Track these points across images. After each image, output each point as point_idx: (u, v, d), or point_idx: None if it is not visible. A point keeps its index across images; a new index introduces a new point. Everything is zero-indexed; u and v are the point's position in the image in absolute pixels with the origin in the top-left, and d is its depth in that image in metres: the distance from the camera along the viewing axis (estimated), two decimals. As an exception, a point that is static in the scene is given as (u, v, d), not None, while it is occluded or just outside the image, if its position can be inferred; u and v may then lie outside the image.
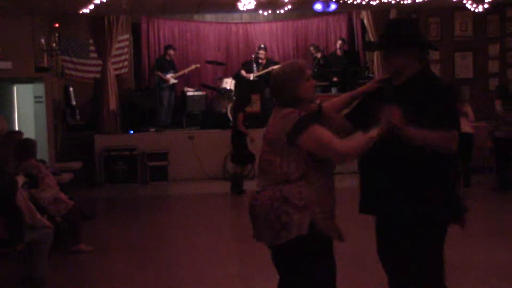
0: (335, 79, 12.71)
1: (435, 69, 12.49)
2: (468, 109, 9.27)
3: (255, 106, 11.97)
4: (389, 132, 2.97)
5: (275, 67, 12.84)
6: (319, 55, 13.23)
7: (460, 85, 12.43)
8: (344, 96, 3.52)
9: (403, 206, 3.06)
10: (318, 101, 3.35)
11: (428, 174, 3.05)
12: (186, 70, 12.97)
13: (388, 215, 3.15)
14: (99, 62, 12.26)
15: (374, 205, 3.19)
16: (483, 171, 10.91)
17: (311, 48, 13.52)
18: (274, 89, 3.24)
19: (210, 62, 13.52)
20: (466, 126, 8.68)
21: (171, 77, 12.68)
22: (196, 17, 14.32)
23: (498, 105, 9.72)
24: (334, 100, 3.52)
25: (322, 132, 3.06)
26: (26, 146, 6.32)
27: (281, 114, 3.16)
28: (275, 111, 3.25)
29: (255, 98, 12.00)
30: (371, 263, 5.51)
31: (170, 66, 12.86)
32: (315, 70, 13.07)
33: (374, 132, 3.00)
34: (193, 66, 13.12)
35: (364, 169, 3.27)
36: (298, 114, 3.10)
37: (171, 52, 12.95)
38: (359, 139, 3.07)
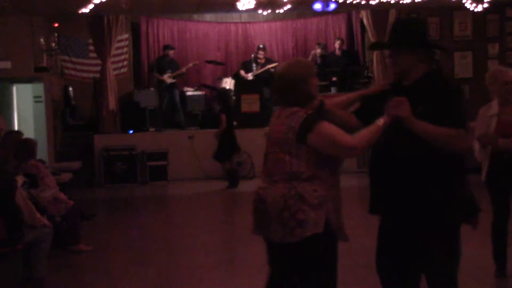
0: (334, 78, 12.71)
1: (435, 68, 12.50)
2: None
3: (254, 105, 11.98)
4: (395, 122, 2.97)
5: (272, 65, 12.89)
6: (319, 51, 13.22)
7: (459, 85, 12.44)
8: (351, 95, 3.51)
9: (415, 206, 3.04)
10: (320, 98, 3.35)
11: (441, 174, 3.04)
12: (183, 69, 12.95)
13: (399, 216, 3.12)
14: (99, 62, 12.26)
15: (384, 206, 3.17)
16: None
17: (316, 46, 13.52)
18: (284, 88, 3.21)
19: (209, 62, 13.52)
20: None
21: (167, 77, 12.67)
22: (195, 16, 14.32)
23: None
24: (338, 98, 3.51)
25: (331, 128, 3.08)
26: (26, 146, 6.32)
27: (287, 113, 3.16)
28: (279, 110, 3.24)
29: (254, 97, 12.00)
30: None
31: (170, 66, 12.83)
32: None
33: (380, 121, 3.02)
34: (191, 64, 13.12)
35: (374, 169, 3.26)
36: (305, 113, 3.11)
37: (171, 52, 12.95)
38: (366, 130, 3.07)
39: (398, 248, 3.13)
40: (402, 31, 3.17)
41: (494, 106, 5.06)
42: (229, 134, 10.50)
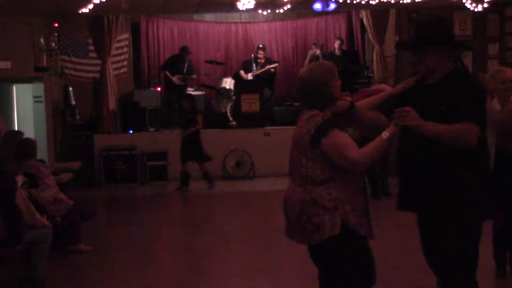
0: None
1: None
2: None
3: (254, 105, 11.98)
4: (401, 132, 3.02)
5: (272, 65, 12.89)
6: (318, 51, 13.22)
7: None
8: (377, 96, 3.53)
9: (441, 202, 3.11)
10: (349, 98, 3.38)
11: (466, 171, 3.09)
12: (194, 76, 12.98)
13: (427, 211, 3.20)
14: (99, 61, 12.25)
15: (413, 202, 3.24)
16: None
17: (313, 46, 13.52)
18: (306, 92, 3.25)
19: (209, 62, 13.52)
20: None
21: (177, 79, 12.67)
22: (195, 16, 14.31)
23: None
24: (368, 99, 3.54)
25: (342, 138, 3.11)
26: (26, 146, 6.32)
27: (307, 116, 3.22)
28: (303, 113, 3.29)
29: (254, 97, 12.00)
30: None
31: (186, 67, 12.77)
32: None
33: (385, 134, 3.05)
34: (204, 73, 13.21)
35: (402, 166, 3.31)
36: (322, 118, 3.15)
37: (188, 55, 12.90)
38: (370, 146, 3.10)
39: (431, 242, 3.26)
40: (428, 30, 3.20)
41: (495, 104, 5.09)
42: (197, 136, 10.56)
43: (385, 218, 6.56)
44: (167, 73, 12.75)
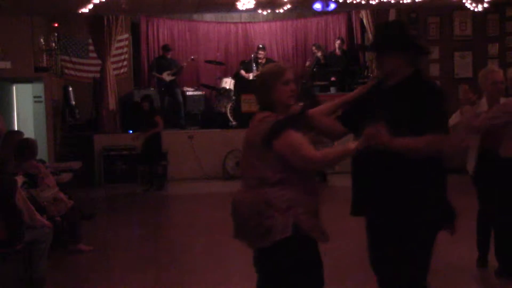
0: (333, 78, 12.71)
1: (435, 68, 12.51)
2: None
3: (254, 105, 11.93)
4: (368, 147, 2.94)
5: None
6: (319, 53, 13.22)
7: (458, 85, 12.43)
8: (335, 101, 3.51)
9: (392, 208, 3.05)
10: (301, 104, 3.35)
11: (419, 178, 3.04)
12: (183, 64, 12.93)
13: (378, 217, 3.15)
14: (99, 62, 12.25)
15: (365, 207, 3.18)
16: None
17: (313, 48, 13.52)
18: (254, 90, 3.28)
19: (209, 62, 13.52)
20: None
21: (166, 75, 12.65)
22: (195, 16, 14.32)
23: None
24: (323, 105, 3.52)
25: (296, 138, 3.06)
26: (26, 146, 6.31)
27: (259, 117, 3.18)
28: (257, 113, 3.27)
29: (254, 97, 11.97)
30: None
31: (170, 65, 12.80)
32: (315, 69, 13.07)
33: (352, 145, 2.99)
34: (189, 59, 13.12)
35: (355, 171, 3.26)
36: (275, 118, 3.10)
37: (169, 52, 12.92)
38: (335, 149, 3.08)
39: (379, 247, 3.18)
40: (387, 34, 3.18)
41: (483, 104, 5.13)
42: (158, 138, 10.71)
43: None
44: (156, 73, 12.73)
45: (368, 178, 3.13)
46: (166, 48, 12.98)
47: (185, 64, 12.96)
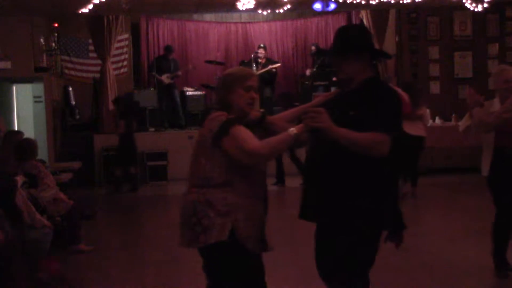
0: (334, 78, 12.71)
1: (435, 68, 12.51)
2: (425, 111, 9.05)
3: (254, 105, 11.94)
4: (309, 131, 2.92)
5: (274, 66, 12.86)
6: (313, 48, 13.21)
7: (458, 85, 12.44)
8: (293, 110, 3.49)
9: (335, 214, 3.02)
10: (261, 110, 3.35)
11: (366, 185, 3.00)
12: (179, 72, 12.92)
13: (322, 222, 3.13)
14: (99, 62, 12.25)
15: (311, 211, 3.15)
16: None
17: (313, 48, 13.51)
18: (215, 88, 3.26)
19: (209, 62, 13.51)
20: (419, 129, 8.61)
21: (166, 78, 12.64)
22: (195, 16, 14.32)
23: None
24: (281, 114, 3.52)
25: (243, 132, 3.01)
26: (26, 146, 6.32)
27: (212, 116, 3.12)
28: (209, 113, 3.21)
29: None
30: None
31: (171, 66, 12.78)
32: (315, 69, 13.06)
33: (292, 130, 2.95)
34: (190, 67, 13.14)
35: (304, 176, 3.26)
36: (226, 117, 3.05)
37: (171, 54, 12.91)
38: (274, 137, 3.01)
39: (323, 251, 3.15)
40: (346, 38, 3.16)
41: (496, 103, 5.09)
42: (129, 140, 10.80)
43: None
44: (155, 74, 12.71)
45: (314, 183, 3.11)
46: (168, 49, 12.95)
47: (179, 73, 12.90)
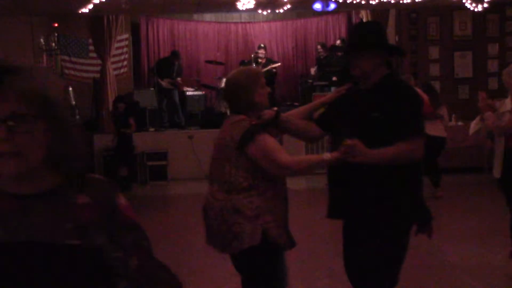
0: (334, 78, 12.72)
1: (435, 68, 12.51)
2: (444, 111, 9.09)
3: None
4: (343, 160, 2.92)
5: (275, 65, 12.87)
6: (325, 54, 13.19)
7: (458, 85, 12.44)
8: (307, 105, 3.53)
9: (366, 211, 3.03)
10: (275, 108, 3.35)
11: (393, 180, 3.01)
12: (180, 80, 12.88)
13: (353, 220, 3.14)
14: (99, 62, 12.25)
15: (341, 210, 3.16)
16: (483, 170, 10.93)
17: (319, 47, 13.48)
18: (228, 95, 3.23)
19: (209, 62, 13.52)
20: (439, 130, 8.62)
21: (166, 83, 12.59)
22: (195, 16, 14.33)
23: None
24: (299, 108, 3.53)
25: (269, 142, 3.03)
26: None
27: (232, 121, 3.15)
28: (229, 116, 3.24)
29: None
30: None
31: (174, 71, 12.72)
32: (317, 68, 13.07)
33: (327, 156, 2.97)
34: (193, 79, 13.23)
35: (331, 174, 3.25)
36: (249, 123, 3.08)
37: (177, 59, 12.85)
38: (309, 158, 3.09)
39: (355, 251, 3.15)
40: (362, 34, 3.16)
41: (508, 103, 5.05)
42: (129, 139, 10.80)
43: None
44: (157, 76, 12.68)
45: (343, 181, 3.11)
46: (175, 54, 12.82)
47: (180, 81, 12.86)
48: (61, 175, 1.53)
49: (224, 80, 12.82)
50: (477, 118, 5.21)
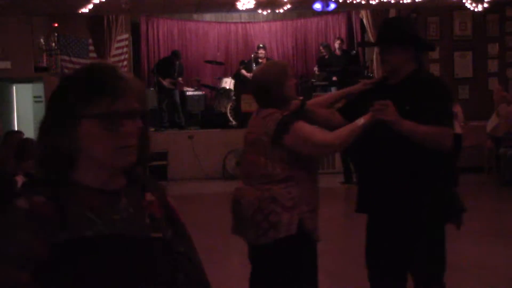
0: (334, 78, 12.73)
1: (435, 68, 12.51)
2: (458, 109, 9.10)
3: (254, 105, 11.90)
4: (377, 122, 2.94)
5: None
6: (327, 56, 13.18)
7: (458, 85, 12.45)
8: (332, 94, 3.54)
9: (397, 205, 3.04)
10: (301, 98, 3.38)
11: (424, 173, 3.02)
12: (181, 80, 12.85)
13: (383, 215, 3.13)
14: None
15: (370, 205, 3.17)
16: (483, 170, 10.93)
17: (321, 48, 13.46)
18: (259, 91, 3.24)
19: (209, 62, 13.52)
20: (456, 127, 8.61)
21: (168, 83, 12.57)
22: (195, 16, 14.33)
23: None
24: (323, 97, 3.54)
25: (306, 127, 3.06)
26: (26, 146, 6.30)
27: (263, 115, 3.17)
28: (256, 111, 3.27)
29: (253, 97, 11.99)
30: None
31: (175, 70, 12.69)
32: (315, 69, 13.08)
33: (360, 121, 2.98)
34: (194, 78, 13.20)
35: (361, 169, 3.26)
36: (281, 114, 3.10)
37: (178, 59, 12.82)
38: (344, 128, 3.06)
39: (384, 247, 3.14)
40: (393, 29, 3.17)
41: None
42: None
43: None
44: (158, 76, 12.66)
45: (373, 176, 3.12)
46: (176, 54, 12.75)
47: (181, 81, 12.82)
48: (126, 173, 1.59)
49: (224, 80, 12.85)
50: (494, 115, 5.20)
